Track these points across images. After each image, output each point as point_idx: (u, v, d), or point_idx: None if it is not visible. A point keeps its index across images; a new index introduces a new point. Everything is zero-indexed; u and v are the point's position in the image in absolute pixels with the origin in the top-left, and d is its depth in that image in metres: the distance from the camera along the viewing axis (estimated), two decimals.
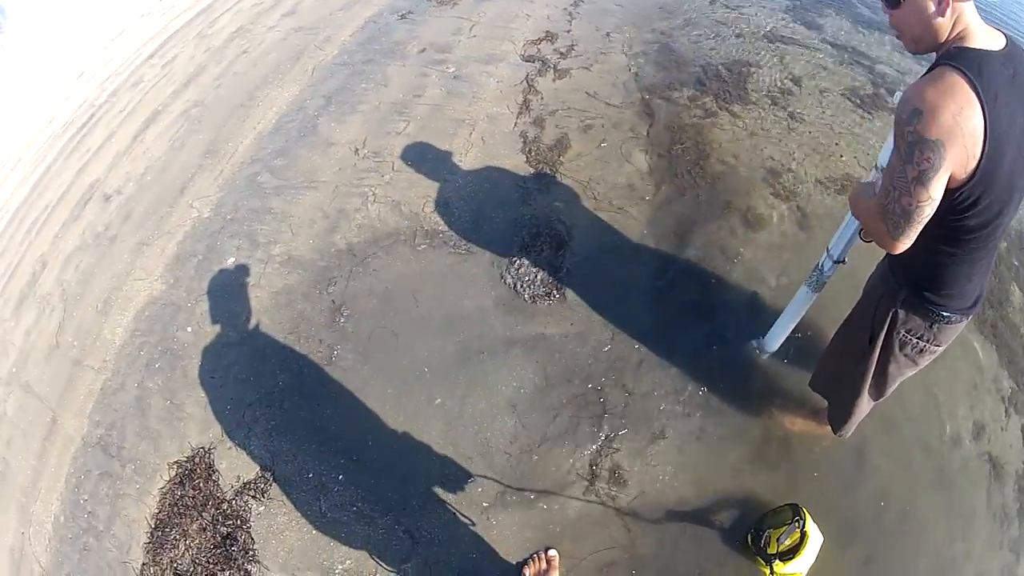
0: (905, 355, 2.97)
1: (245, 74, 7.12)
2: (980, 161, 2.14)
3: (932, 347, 2.90)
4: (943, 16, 2.21)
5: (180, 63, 7.66)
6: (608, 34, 7.24)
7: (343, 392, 4.11)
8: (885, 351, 2.98)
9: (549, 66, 6.66)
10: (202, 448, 3.97)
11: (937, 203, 2.21)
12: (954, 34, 2.25)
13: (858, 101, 6.41)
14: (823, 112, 6.22)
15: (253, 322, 4.47)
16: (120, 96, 7.42)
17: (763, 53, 7.05)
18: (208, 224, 5.26)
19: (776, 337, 4.13)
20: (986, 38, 2.24)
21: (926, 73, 2.26)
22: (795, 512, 3.39)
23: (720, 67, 6.72)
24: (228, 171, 5.78)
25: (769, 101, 6.29)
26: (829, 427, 3.80)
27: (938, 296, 2.69)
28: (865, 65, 7.06)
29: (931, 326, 2.80)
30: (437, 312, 4.49)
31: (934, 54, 2.36)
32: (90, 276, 5.15)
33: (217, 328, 4.51)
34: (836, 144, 5.84)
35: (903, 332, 2.87)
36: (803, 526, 3.29)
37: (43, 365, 4.72)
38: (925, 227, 2.33)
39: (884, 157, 2.96)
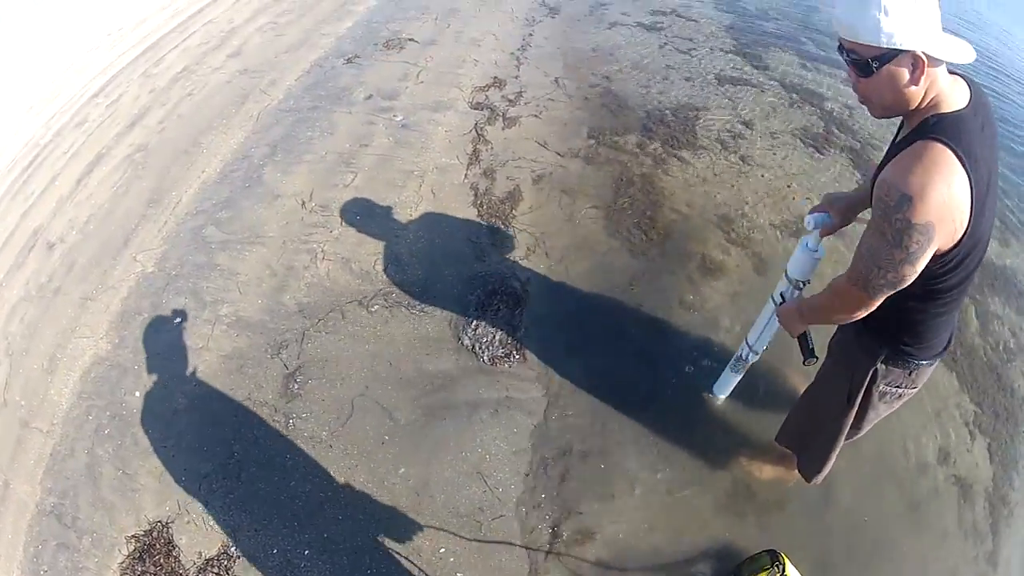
0: (884, 403, 3.01)
1: (190, 118, 7.00)
2: (968, 228, 2.13)
3: (910, 391, 2.95)
4: (917, 84, 2.13)
5: (125, 103, 7.49)
6: (557, 79, 7.37)
7: (304, 462, 4.00)
8: (864, 404, 3.01)
9: (498, 114, 6.72)
10: (159, 522, 3.84)
11: (920, 271, 2.20)
12: (927, 101, 2.20)
13: (810, 141, 6.61)
14: (775, 154, 6.38)
15: (203, 388, 4.35)
16: (64, 136, 7.22)
17: (713, 96, 7.23)
18: (152, 280, 5.12)
19: (724, 386, 4.24)
20: (956, 97, 2.19)
21: (905, 145, 2.20)
22: (773, 558, 3.43)
23: (668, 112, 6.87)
24: (172, 222, 5.65)
25: (720, 146, 6.44)
26: (796, 472, 3.87)
27: (918, 348, 2.71)
28: (814, 103, 7.29)
29: (910, 374, 2.83)
30: (395, 377, 4.41)
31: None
32: (35, 330, 4.99)
33: (166, 393, 4.37)
34: (789, 186, 5.99)
35: (883, 385, 2.89)
36: (783, 571, 3.32)
37: None
38: (903, 292, 2.34)
39: (793, 269, 3.09)
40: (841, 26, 2.17)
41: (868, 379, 2.88)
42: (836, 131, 7.00)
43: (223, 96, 7.31)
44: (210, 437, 4.14)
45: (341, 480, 3.94)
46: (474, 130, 6.51)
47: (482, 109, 6.83)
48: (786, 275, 3.15)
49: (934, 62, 2.09)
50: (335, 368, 4.45)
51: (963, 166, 2.04)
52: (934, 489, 4.15)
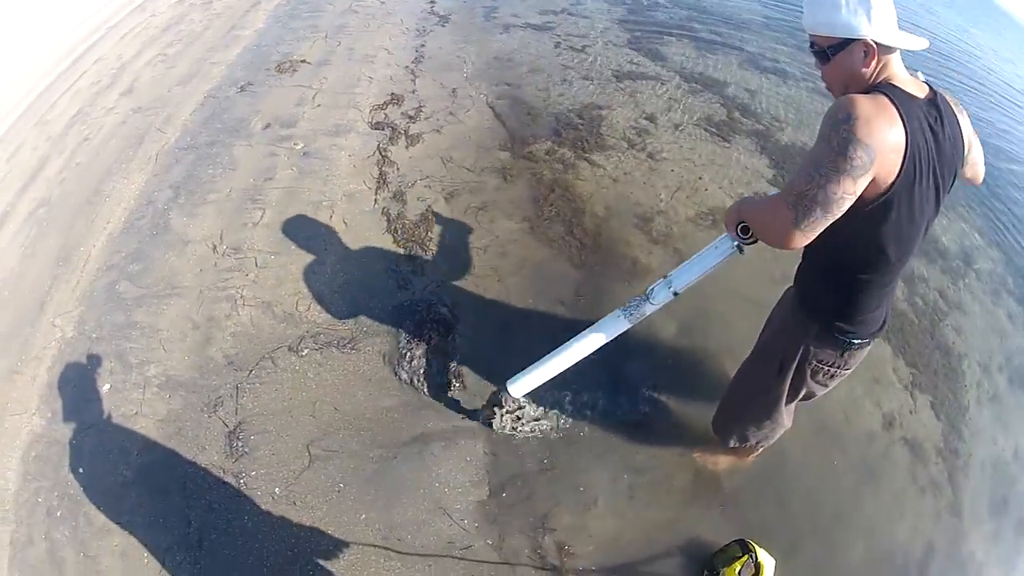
0: (817, 382, 3.16)
1: (88, 165, 6.76)
2: (898, 176, 2.33)
3: (842, 372, 3.12)
4: (868, 68, 2.45)
5: (23, 155, 7.14)
6: (454, 90, 7.40)
7: (264, 522, 3.91)
8: (799, 377, 3.15)
9: (400, 132, 6.72)
10: None
11: (852, 201, 2.34)
12: (880, 78, 2.48)
13: (714, 129, 6.86)
14: (681, 146, 6.61)
15: (146, 457, 4.21)
16: None
17: (614, 93, 7.40)
18: (75, 345, 4.93)
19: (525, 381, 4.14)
20: (910, 86, 2.46)
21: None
22: (743, 547, 3.60)
23: (572, 114, 6.97)
24: (84, 281, 5.43)
25: (627, 144, 6.56)
26: (749, 459, 4.18)
27: (850, 325, 2.86)
28: (714, 90, 7.56)
29: (842, 354, 3.00)
30: (339, 422, 4.38)
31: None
32: None
33: (110, 467, 4.21)
34: (699, 178, 6.21)
35: (814, 363, 3.06)
36: (756, 558, 3.49)
37: None
38: (840, 255, 2.67)
39: (679, 279, 3.24)
40: (806, 21, 2.56)
41: (800, 355, 3.04)
42: (739, 116, 7.21)
43: (120, 138, 7.09)
44: (163, 508, 4.00)
45: (305, 535, 3.87)
46: (377, 152, 6.50)
47: (383, 129, 6.81)
48: (667, 281, 3.33)
49: (884, 50, 2.43)
50: (277, 420, 4.36)
51: (902, 121, 2.30)
52: (884, 454, 4.43)
